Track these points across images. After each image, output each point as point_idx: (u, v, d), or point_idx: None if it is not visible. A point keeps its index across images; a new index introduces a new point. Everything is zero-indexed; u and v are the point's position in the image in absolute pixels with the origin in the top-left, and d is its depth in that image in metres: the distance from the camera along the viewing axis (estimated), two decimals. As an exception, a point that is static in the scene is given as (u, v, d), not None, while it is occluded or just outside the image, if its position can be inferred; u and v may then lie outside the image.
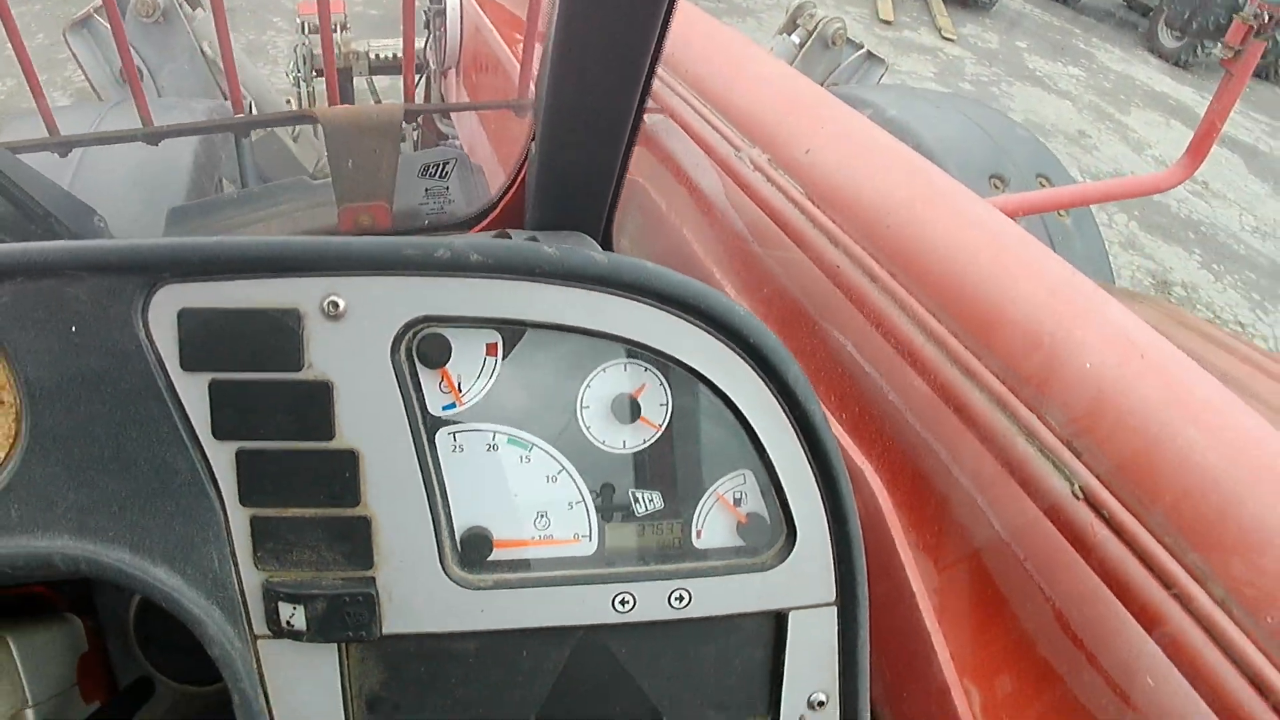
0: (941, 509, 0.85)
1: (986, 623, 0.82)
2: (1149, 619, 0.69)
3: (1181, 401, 0.73)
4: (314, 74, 2.57)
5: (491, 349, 0.64)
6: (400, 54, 2.69)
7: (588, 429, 0.66)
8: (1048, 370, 0.78)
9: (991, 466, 0.79)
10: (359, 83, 2.54)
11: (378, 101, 2.55)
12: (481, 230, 1.18)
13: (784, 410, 0.67)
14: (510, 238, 1.01)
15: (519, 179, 1.15)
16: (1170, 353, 0.79)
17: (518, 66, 1.74)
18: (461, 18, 2.10)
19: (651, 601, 0.67)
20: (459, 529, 0.64)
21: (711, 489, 0.68)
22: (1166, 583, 0.67)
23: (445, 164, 1.26)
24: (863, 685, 0.74)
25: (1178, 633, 0.67)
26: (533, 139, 1.08)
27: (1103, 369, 0.76)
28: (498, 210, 1.18)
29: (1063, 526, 0.74)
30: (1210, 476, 0.68)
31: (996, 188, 1.75)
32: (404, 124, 1.21)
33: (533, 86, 1.27)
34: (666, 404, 0.66)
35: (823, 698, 0.72)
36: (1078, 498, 0.74)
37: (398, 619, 0.64)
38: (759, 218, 1.06)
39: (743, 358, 0.66)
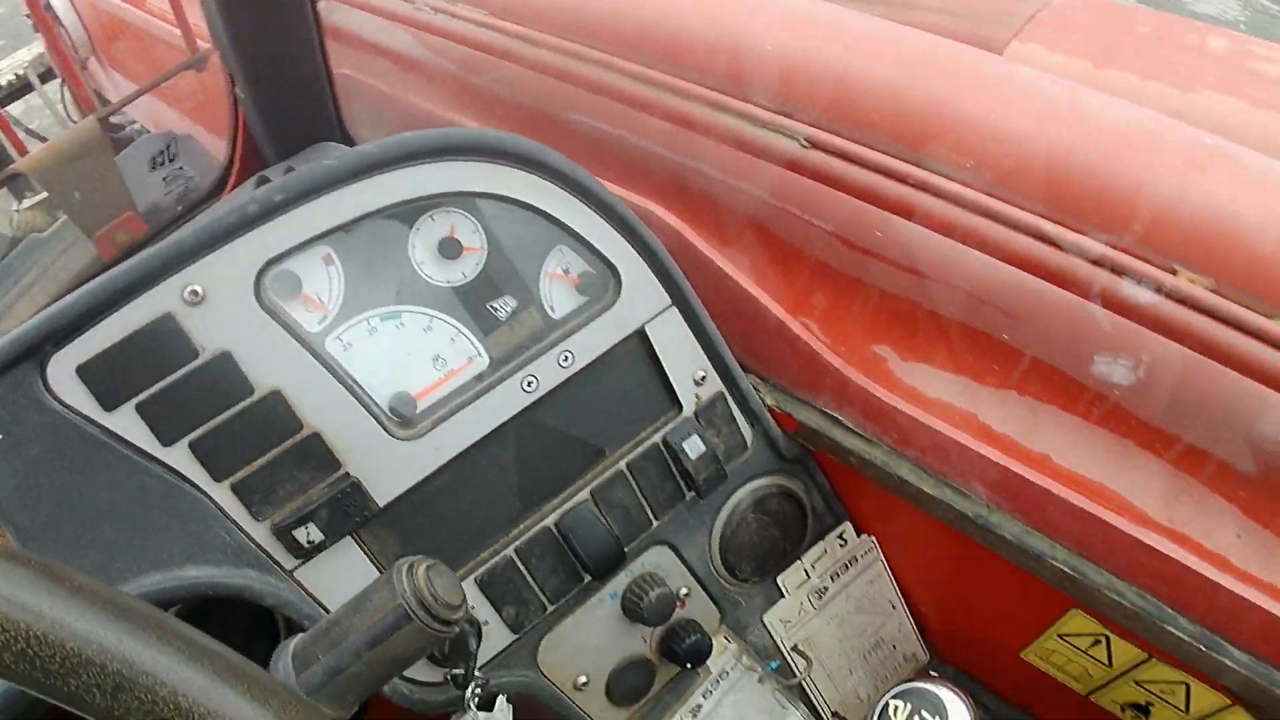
0: (716, 205, 1.07)
1: (788, 266, 1.06)
2: (895, 207, 0.95)
3: (843, 40, 0.95)
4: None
5: (328, 259, 0.79)
6: (21, 73, 2.55)
7: (430, 278, 0.83)
8: (737, 64, 1.00)
9: (733, 155, 1.02)
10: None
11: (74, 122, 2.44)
12: (236, 186, 1.28)
13: (563, 188, 0.86)
14: (270, 179, 1.13)
15: (240, 126, 1.24)
16: (821, 7, 1.02)
17: (160, 24, 1.75)
18: (74, 5, 2.03)
19: (548, 373, 0.87)
20: (383, 401, 0.82)
21: (542, 271, 0.88)
22: (895, 176, 0.92)
23: (168, 148, 1.33)
24: (723, 351, 0.98)
25: (923, 206, 0.92)
26: (234, 84, 1.18)
27: (781, 45, 0.97)
28: (237, 163, 1.28)
29: (806, 171, 0.98)
30: (884, 82, 0.92)
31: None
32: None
33: (200, 42, 1.33)
34: (478, 230, 0.84)
35: (701, 373, 0.96)
36: (806, 147, 0.97)
37: (383, 491, 0.83)
38: (465, 53, 1.21)
39: (512, 165, 0.84)
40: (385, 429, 0.81)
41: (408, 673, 0.88)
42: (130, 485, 0.75)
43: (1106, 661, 1.08)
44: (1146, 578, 0.93)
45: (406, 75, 1.31)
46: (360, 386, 0.81)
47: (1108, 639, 1.05)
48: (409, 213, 0.82)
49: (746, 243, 1.10)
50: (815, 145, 0.96)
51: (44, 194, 1.80)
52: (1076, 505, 0.93)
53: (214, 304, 0.75)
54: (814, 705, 1.16)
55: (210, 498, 0.78)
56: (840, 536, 1.12)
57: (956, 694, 0.85)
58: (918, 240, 1.09)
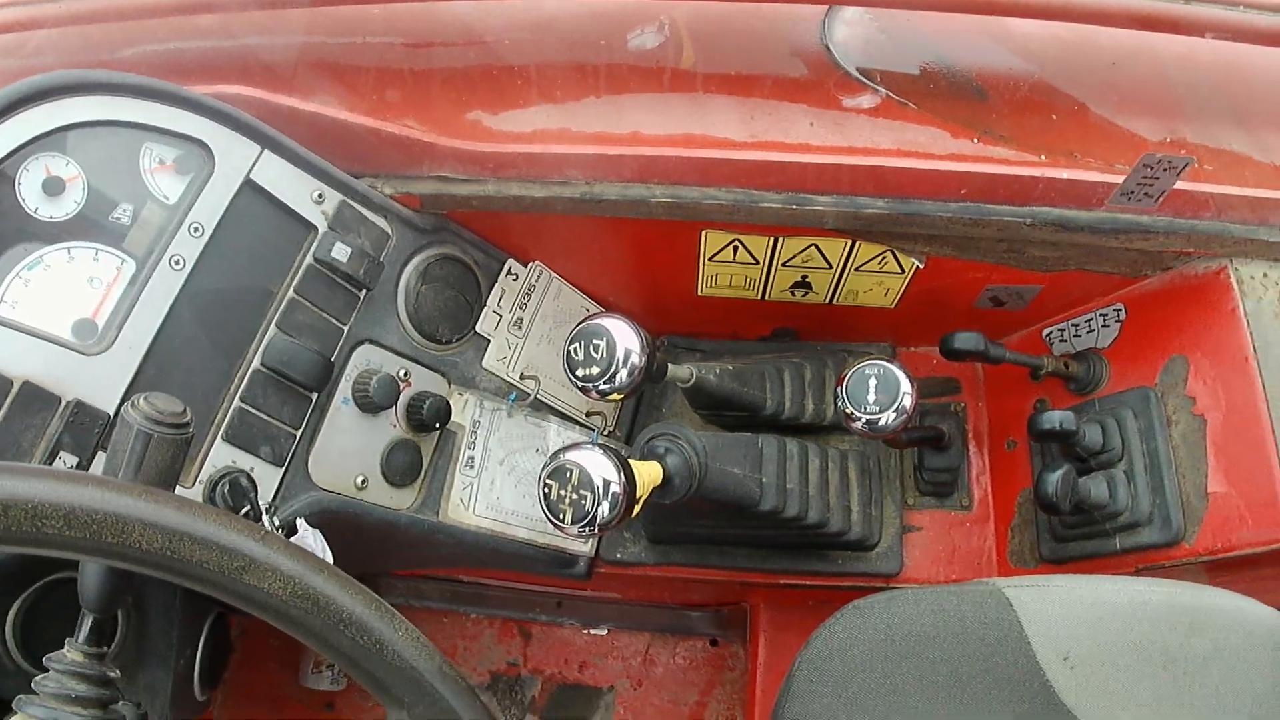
0: (277, 64, 1.32)
1: (356, 84, 1.34)
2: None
3: None
4: None
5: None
6: None
7: (51, 217, 1.06)
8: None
9: (264, 16, 1.26)
10: None
11: None
12: None
13: (121, 95, 1.10)
14: None
15: None
16: None
17: None
18: None
19: (188, 247, 1.13)
20: (68, 332, 1.06)
21: (141, 170, 1.12)
22: None
23: None
24: (327, 168, 1.25)
25: None
26: None
27: None
28: None
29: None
30: None
31: None
32: None
33: None
34: (69, 161, 1.07)
35: (318, 192, 1.24)
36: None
37: (106, 401, 1.06)
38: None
39: (66, 97, 1.06)
40: (79, 352, 1.06)
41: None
42: None
43: (751, 259, 1.47)
44: (742, 180, 1.30)
45: None
46: (40, 328, 1.05)
47: (740, 241, 1.43)
48: (4, 173, 1.04)
49: (317, 83, 1.36)
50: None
51: None
52: (669, 155, 1.28)
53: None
54: (562, 413, 1.53)
55: None
56: (510, 273, 1.46)
57: (619, 318, 1.20)
58: (464, 13, 1.39)
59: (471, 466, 1.41)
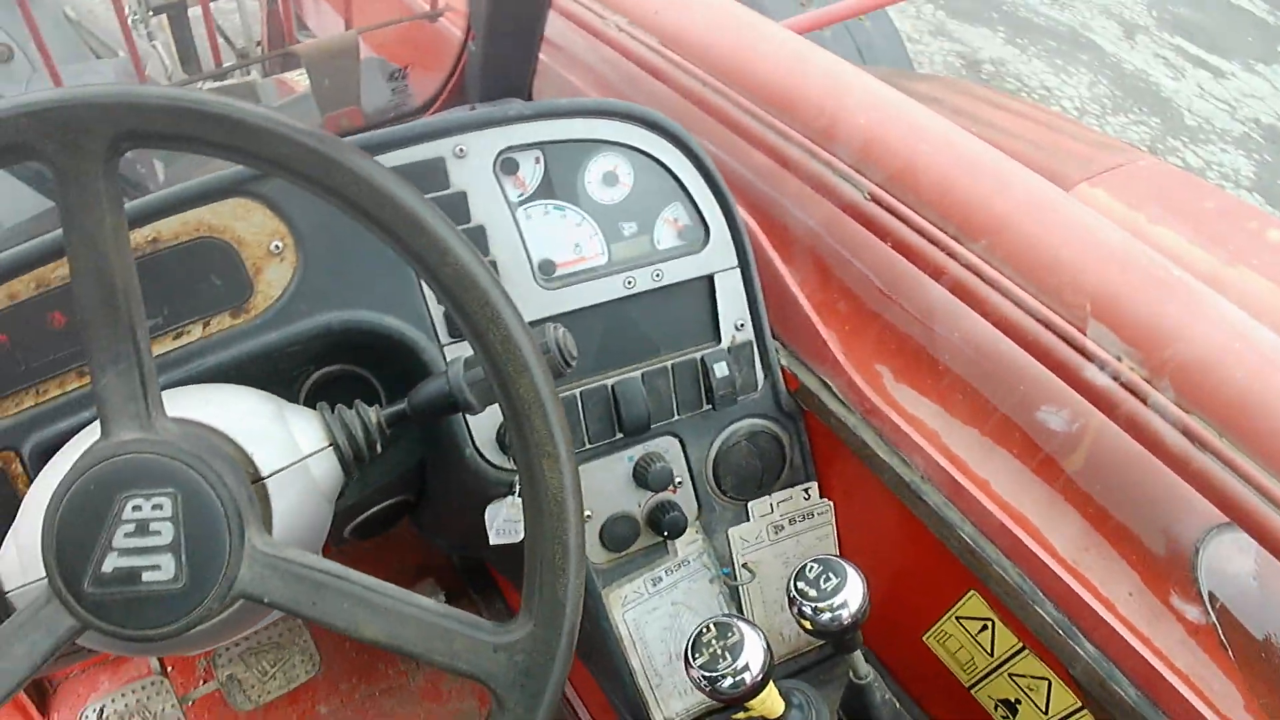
0: (787, 224, 1.68)
1: (827, 283, 1.66)
2: (933, 270, 1.52)
3: (921, 133, 1.56)
4: (150, 14, 3.14)
5: (538, 159, 1.42)
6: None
7: (592, 195, 1.46)
8: (832, 124, 1.62)
9: (809, 192, 1.63)
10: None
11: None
12: (437, 110, 1.93)
13: (691, 164, 1.49)
14: (475, 108, 1.77)
15: (459, 70, 1.90)
16: (911, 106, 1.63)
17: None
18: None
19: (643, 280, 1.48)
20: (536, 258, 1.43)
21: (660, 214, 1.50)
22: (938, 244, 1.49)
23: (403, 72, 1.99)
24: (761, 313, 1.58)
25: (953, 275, 1.49)
26: (469, 38, 1.83)
27: (871, 121, 1.58)
28: (444, 95, 1.93)
29: (862, 219, 1.57)
30: (945, 170, 1.50)
31: (803, 6, 2.61)
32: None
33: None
34: (630, 172, 1.47)
35: (741, 322, 1.57)
36: (867, 199, 1.57)
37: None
38: (629, 69, 1.85)
39: (662, 136, 1.47)
40: (534, 276, 1.43)
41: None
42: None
43: (989, 650, 1.54)
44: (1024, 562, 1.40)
45: (584, 73, 1.96)
46: (527, 243, 1.43)
47: (993, 625, 1.51)
48: (594, 145, 1.45)
49: (802, 256, 1.69)
50: (875, 199, 1.54)
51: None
52: (999, 517, 1.37)
53: (469, 161, 1.38)
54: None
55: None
56: (806, 491, 1.70)
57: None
58: (935, 298, 1.66)
59: (653, 584, 1.63)
